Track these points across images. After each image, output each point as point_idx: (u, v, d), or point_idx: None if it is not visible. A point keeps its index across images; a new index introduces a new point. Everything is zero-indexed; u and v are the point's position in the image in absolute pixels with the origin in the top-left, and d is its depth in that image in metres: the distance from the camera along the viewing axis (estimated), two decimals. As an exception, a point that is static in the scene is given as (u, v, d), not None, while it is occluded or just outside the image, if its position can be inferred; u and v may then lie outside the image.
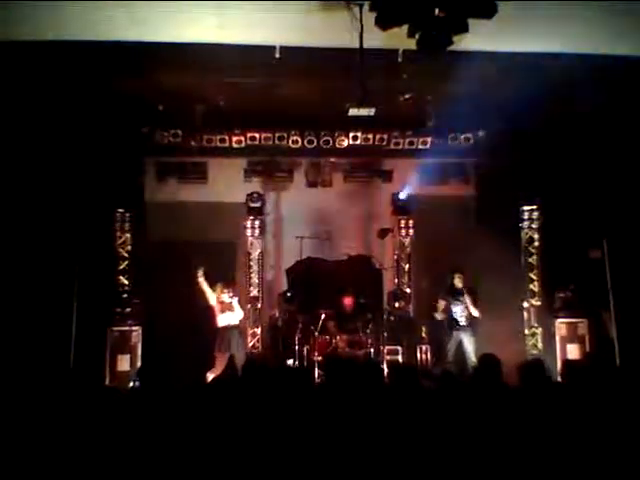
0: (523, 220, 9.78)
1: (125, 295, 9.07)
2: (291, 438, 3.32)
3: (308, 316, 8.77)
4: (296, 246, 9.28)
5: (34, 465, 3.19)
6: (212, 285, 8.19)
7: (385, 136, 9.55)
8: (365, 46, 5.85)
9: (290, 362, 8.44)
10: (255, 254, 9.63)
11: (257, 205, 9.54)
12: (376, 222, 9.95)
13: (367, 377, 4.20)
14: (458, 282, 8.57)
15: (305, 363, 8.38)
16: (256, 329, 9.36)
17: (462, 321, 8.50)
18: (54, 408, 3.62)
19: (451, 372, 5.56)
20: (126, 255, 9.22)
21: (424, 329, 9.30)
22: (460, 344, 8.43)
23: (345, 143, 9.57)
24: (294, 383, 4.05)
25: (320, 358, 8.23)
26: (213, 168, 9.82)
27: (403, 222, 9.80)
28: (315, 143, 9.50)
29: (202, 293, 8.15)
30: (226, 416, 3.52)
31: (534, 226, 9.76)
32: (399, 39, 5.08)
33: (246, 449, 3.25)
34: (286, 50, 6.50)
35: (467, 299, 8.45)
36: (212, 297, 8.16)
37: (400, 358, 8.79)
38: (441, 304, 8.60)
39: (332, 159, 9.94)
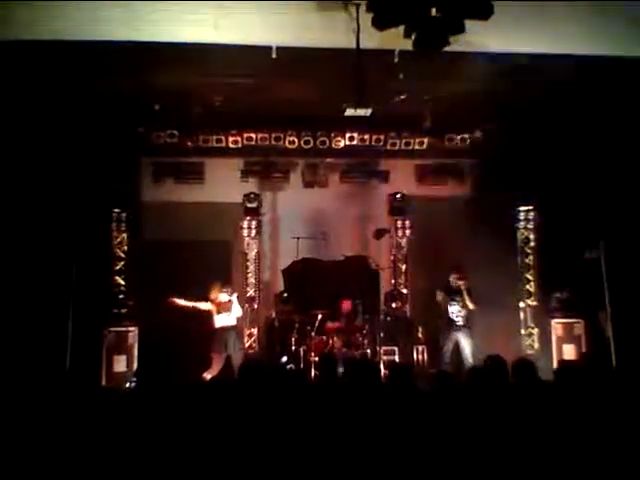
0: (519, 220, 9.81)
1: (121, 295, 9.05)
2: (288, 438, 3.32)
3: (304, 316, 8.77)
4: (293, 246, 9.29)
5: (31, 466, 3.19)
6: (208, 286, 8.16)
7: (382, 136, 9.58)
8: (362, 46, 5.86)
9: (284, 359, 8.43)
10: (251, 254, 9.65)
11: (253, 205, 9.55)
12: (373, 222, 9.93)
13: (363, 376, 4.20)
14: (454, 281, 8.56)
15: (301, 363, 8.38)
16: (253, 329, 9.37)
17: (459, 321, 8.48)
18: (50, 409, 3.61)
19: (448, 373, 5.55)
20: (122, 255, 9.21)
21: (421, 330, 9.29)
22: (457, 345, 8.42)
23: (342, 143, 9.60)
24: (290, 383, 4.05)
25: (317, 359, 8.22)
26: (210, 168, 9.80)
27: (400, 223, 9.83)
28: (312, 143, 9.51)
29: (192, 308, 8.11)
30: (223, 417, 3.52)
31: (530, 226, 9.80)
32: (396, 39, 5.10)
33: (242, 449, 3.25)
34: (282, 50, 6.47)
35: (464, 295, 8.42)
36: (203, 304, 8.12)
37: (397, 358, 8.78)
38: (440, 294, 8.54)
39: (329, 159, 9.93)
